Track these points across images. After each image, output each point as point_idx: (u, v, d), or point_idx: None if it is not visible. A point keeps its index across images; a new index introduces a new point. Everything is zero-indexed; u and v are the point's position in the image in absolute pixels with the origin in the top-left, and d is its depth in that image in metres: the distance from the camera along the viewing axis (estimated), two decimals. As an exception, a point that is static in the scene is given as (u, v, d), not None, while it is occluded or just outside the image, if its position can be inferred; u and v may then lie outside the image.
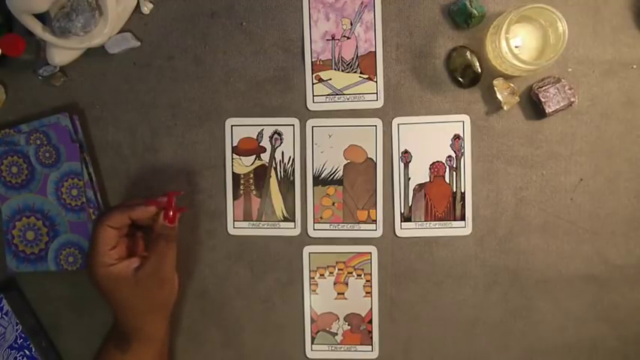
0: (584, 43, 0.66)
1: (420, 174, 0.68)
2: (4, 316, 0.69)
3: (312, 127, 0.69)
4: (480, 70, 0.66)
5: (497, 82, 0.66)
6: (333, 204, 0.69)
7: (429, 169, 0.68)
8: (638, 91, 0.66)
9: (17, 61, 0.68)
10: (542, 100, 0.65)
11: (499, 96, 0.66)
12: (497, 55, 0.64)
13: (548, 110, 0.65)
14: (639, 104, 0.67)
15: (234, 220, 0.70)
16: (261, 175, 0.70)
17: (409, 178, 0.68)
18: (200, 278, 0.70)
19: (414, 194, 0.68)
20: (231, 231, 0.70)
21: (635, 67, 0.66)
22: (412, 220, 0.68)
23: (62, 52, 0.66)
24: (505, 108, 0.66)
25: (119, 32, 0.68)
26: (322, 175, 0.69)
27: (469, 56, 0.66)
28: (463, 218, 0.68)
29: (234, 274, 0.70)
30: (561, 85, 0.65)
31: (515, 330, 0.69)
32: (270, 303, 0.70)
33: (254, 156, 0.70)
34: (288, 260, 0.70)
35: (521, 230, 0.68)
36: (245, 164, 0.70)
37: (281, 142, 0.69)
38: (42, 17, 0.65)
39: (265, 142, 0.69)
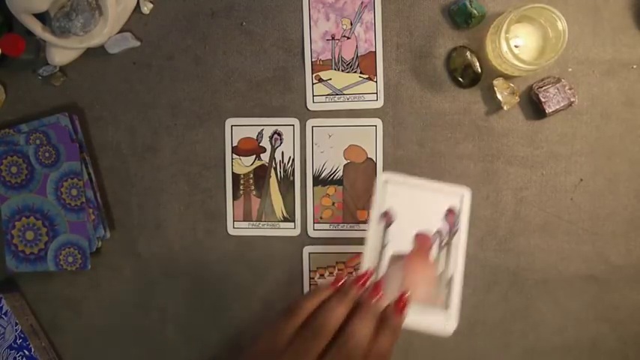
0: (584, 43, 0.66)
1: (401, 242, 0.56)
2: (3, 316, 0.69)
3: (312, 127, 0.69)
4: (480, 70, 0.66)
5: (498, 82, 0.66)
6: (333, 204, 0.69)
7: (414, 238, 0.56)
8: (638, 91, 0.67)
9: (17, 61, 0.68)
10: (542, 100, 0.65)
11: (499, 96, 0.66)
12: (497, 55, 0.64)
13: (548, 110, 0.65)
14: (639, 104, 0.67)
15: (234, 220, 0.70)
16: (261, 175, 0.70)
17: (386, 244, 0.56)
18: (200, 278, 0.70)
19: (389, 265, 0.55)
20: (231, 231, 0.70)
21: (635, 67, 0.66)
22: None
23: (62, 52, 0.66)
24: (505, 108, 0.66)
25: (119, 32, 0.68)
26: (322, 175, 0.69)
27: (469, 56, 0.66)
28: (446, 308, 0.55)
29: (234, 274, 0.70)
30: (561, 85, 0.65)
31: (515, 330, 0.69)
32: (270, 303, 0.70)
33: (254, 156, 0.70)
34: (288, 260, 0.70)
35: (521, 230, 0.68)
36: (245, 164, 0.70)
37: (281, 142, 0.69)
38: (42, 17, 0.65)
39: (265, 142, 0.69)
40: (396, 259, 0.56)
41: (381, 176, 0.57)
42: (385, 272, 0.55)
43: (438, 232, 0.56)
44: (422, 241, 0.56)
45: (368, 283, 0.52)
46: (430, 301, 0.55)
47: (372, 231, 0.56)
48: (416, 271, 0.55)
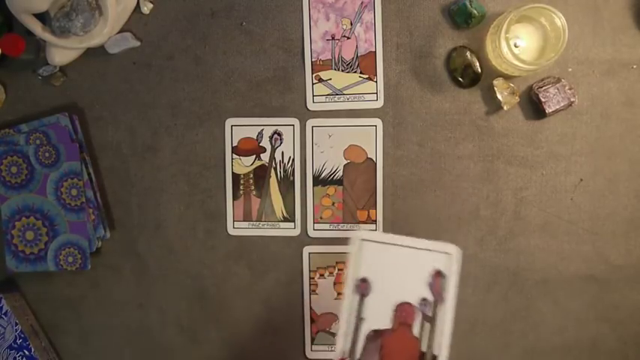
0: (584, 43, 0.66)
1: (378, 316, 0.49)
2: (3, 316, 0.69)
3: (312, 127, 0.69)
4: (479, 70, 0.66)
5: (498, 82, 0.66)
6: (333, 204, 0.69)
7: (394, 311, 0.50)
8: (638, 91, 0.66)
9: (17, 61, 0.68)
10: (542, 100, 0.65)
11: (499, 96, 0.66)
12: (497, 55, 0.64)
13: (548, 110, 0.65)
14: (639, 104, 0.67)
15: (234, 221, 0.70)
16: (261, 175, 0.70)
17: (362, 319, 0.50)
18: (200, 278, 0.70)
19: (365, 343, 0.49)
20: (231, 231, 0.70)
21: (635, 67, 0.66)
22: None
23: (62, 52, 0.66)
24: (505, 108, 0.66)
25: (119, 32, 0.68)
26: (322, 175, 0.69)
27: (469, 56, 0.66)
28: None
29: (234, 274, 0.70)
30: (561, 85, 0.65)
31: (515, 330, 0.69)
32: (270, 303, 0.70)
33: (254, 156, 0.70)
34: (288, 260, 0.70)
35: (521, 230, 0.68)
36: (245, 164, 0.70)
37: (281, 142, 0.69)
38: (42, 17, 0.65)
39: (265, 142, 0.69)
40: (374, 336, 0.49)
41: (356, 236, 0.50)
42: (361, 354, 0.48)
43: (423, 302, 0.49)
44: (403, 313, 0.49)
45: None
46: None
47: (346, 304, 0.49)
48: (395, 351, 0.48)
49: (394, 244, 0.50)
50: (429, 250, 0.50)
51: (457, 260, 0.49)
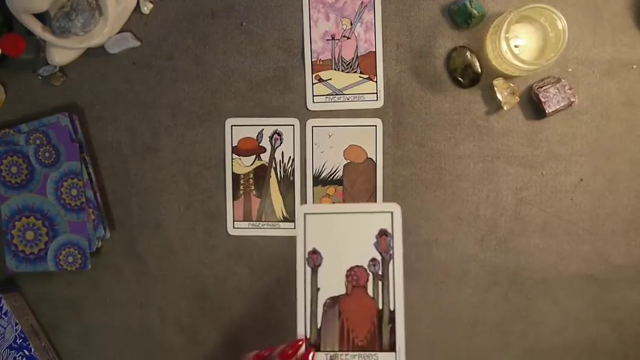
0: (584, 43, 0.66)
1: (333, 283, 0.52)
2: (3, 316, 0.69)
3: (312, 127, 0.69)
4: (479, 70, 0.66)
5: (498, 82, 0.66)
6: (333, 204, 0.69)
7: (346, 276, 0.52)
8: (638, 91, 0.67)
9: (17, 61, 0.68)
10: (542, 100, 0.65)
11: (499, 96, 0.66)
12: (497, 55, 0.64)
13: (548, 110, 0.65)
14: (639, 104, 0.67)
15: (234, 220, 0.70)
16: (261, 175, 0.70)
17: (318, 289, 0.52)
18: (200, 278, 0.70)
19: (324, 311, 0.52)
20: (231, 231, 0.70)
21: (635, 67, 0.66)
22: (322, 349, 0.51)
23: (62, 52, 0.66)
24: (505, 108, 0.66)
25: (119, 32, 0.68)
26: (322, 175, 0.69)
27: (469, 56, 0.66)
28: (393, 348, 0.51)
29: (234, 274, 0.70)
30: (561, 85, 0.65)
31: (515, 330, 0.69)
32: (270, 303, 0.70)
33: (254, 156, 0.70)
34: (288, 260, 0.70)
35: (521, 230, 0.68)
36: (245, 164, 0.70)
37: (281, 142, 0.69)
38: (42, 17, 0.65)
39: (265, 142, 0.69)
40: (331, 303, 0.51)
41: (300, 211, 0.52)
42: (321, 323, 0.51)
43: (372, 262, 0.51)
44: (355, 277, 0.51)
45: (298, 353, 0.50)
46: (374, 346, 0.50)
47: (300, 278, 0.51)
48: (353, 313, 0.51)
49: (337, 213, 0.52)
50: (371, 212, 0.52)
51: (399, 217, 0.51)
